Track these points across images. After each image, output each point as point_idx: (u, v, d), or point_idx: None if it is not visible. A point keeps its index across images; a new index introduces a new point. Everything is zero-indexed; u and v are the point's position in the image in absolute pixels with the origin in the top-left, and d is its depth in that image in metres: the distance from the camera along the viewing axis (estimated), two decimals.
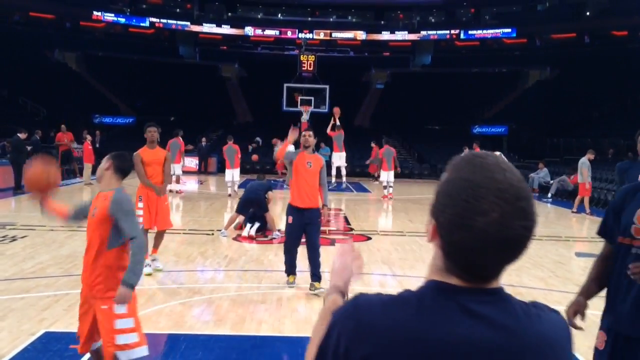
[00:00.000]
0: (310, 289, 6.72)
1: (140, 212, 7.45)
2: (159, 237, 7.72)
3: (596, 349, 2.85)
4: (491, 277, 1.12)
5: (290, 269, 7.00)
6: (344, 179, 20.64)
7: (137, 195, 7.46)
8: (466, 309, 1.08)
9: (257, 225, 10.46)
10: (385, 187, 17.72)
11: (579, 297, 2.93)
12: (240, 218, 10.68)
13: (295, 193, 6.79)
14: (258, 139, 23.24)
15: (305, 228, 6.82)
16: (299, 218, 6.76)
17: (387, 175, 17.66)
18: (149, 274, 7.35)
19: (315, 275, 6.76)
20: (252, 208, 10.58)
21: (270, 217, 10.60)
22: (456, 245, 1.09)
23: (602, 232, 2.98)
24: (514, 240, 1.07)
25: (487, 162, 1.10)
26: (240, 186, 17.29)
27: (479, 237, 1.05)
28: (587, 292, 2.96)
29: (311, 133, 7.05)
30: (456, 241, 1.08)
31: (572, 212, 15.41)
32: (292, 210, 6.83)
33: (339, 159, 19.86)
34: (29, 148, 17.49)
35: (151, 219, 7.48)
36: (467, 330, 1.07)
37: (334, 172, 20.22)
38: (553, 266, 8.71)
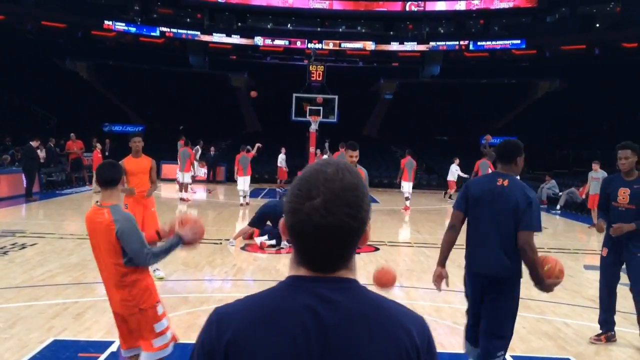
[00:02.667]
0: None
1: None
2: (152, 245, 7.65)
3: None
4: (330, 265, 1.23)
5: None
6: None
7: (123, 204, 7.52)
8: (315, 293, 1.20)
9: (273, 241, 10.34)
10: (407, 199, 17.49)
11: None
12: (250, 230, 10.66)
13: None
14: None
15: None
16: None
17: (408, 186, 17.44)
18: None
19: None
20: (269, 222, 10.59)
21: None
22: (291, 230, 1.22)
23: None
24: (336, 227, 1.18)
25: (327, 162, 1.26)
26: (251, 195, 17.19)
27: (306, 220, 1.18)
28: None
29: (357, 153, 6.72)
30: (290, 227, 1.22)
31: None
32: None
33: None
34: (42, 155, 17.64)
35: (140, 226, 7.49)
36: (313, 305, 1.18)
37: None
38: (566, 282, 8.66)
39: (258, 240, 10.32)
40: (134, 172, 7.43)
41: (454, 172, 21.36)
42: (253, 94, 20.50)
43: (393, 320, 1.22)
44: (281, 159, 24.54)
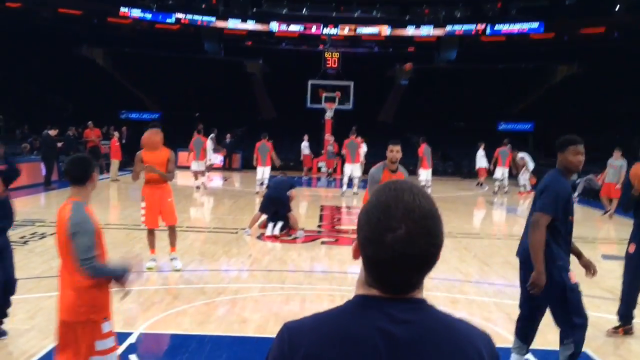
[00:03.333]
0: None
1: (142, 212, 7.62)
2: (172, 234, 7.72)
3: (574, 284, 4.41)
4: (407, 289, 1.25)
5: None
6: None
7: (141, 196, 7.65)
8: (387, 313, 1.22)
9: (280, 224, 10.45)
10: (427, 187, 17.25)
11: None
12: (264, 217, 10.72)
13: None
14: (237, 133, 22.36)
15: None
16: None
17: (426, 174, 17.20)
18: (151, 269, 7.58)
19: None
20: (275, 207, 10.57)
21: (293, 216, 10.61)
22: (370, 259, 1.23)
23: None
24: (419, 255, 1.20)
25: (401, 187, 1.25)
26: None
27: (388, 251, 1.19)
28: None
29: (399, 148, 6.14)
30: (370, 255, 1.22)
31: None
32: None
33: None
34: (59, 144, 17.80)
35: (154, 218, 7.58)
36: (384, 325, 1.21)
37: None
38: (579, 269, 8.58)
39: (269, 231, 10.36)
40: (151, 163, 7.47)
41: (481, 158, 20.81)
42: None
43: (464, 339, 1.25)
44: (304, 146, 24.58)
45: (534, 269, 4.22)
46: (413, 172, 20.08)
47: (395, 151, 6.08)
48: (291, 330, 1.27)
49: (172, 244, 7.74)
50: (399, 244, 1.18)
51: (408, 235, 1.18)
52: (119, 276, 3.46)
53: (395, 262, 1.19)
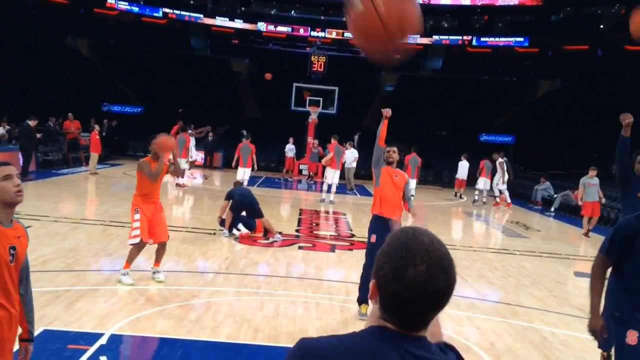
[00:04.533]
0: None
1: (137, 225, 6.98)
2: (161, 250, 7.22)
3: (629, 346, 3.38)
4: (421, 327, 1.34)
5: (366, 295, 6.19)
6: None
7: (133, 208, 7.07)
8: (403, 349, 1.30)
9: (240, 225, 10.54)
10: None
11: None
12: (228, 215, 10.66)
13: (381, 203, 6.77)
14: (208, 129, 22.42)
15: None
16: (383, 234, 6.17)
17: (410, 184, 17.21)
18: (131, 284, 6.89)
19: None
20: (245, 211, 10.68)
21: (266, 222, 10.65)
22: (390, 296, 1.31)
23: None
24: (438, 292, 1.30)
25: (419, 232, 1.36)
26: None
27: (410, 287, 1.28)
28: None
29: (395, 149, 6.86)
30: (390, 292, 1.31)
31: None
32: (377, 224, 6.68)
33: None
34: (38, 135, 17.58)
35: (148, 231, 7.07)
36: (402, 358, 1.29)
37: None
38: (551, 285, 8.72)
39: (237, 232, 10.43)
40: (158, 168, 7.08)
41: (463, 168, 20.74)
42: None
43: None
44: (288, 148, 24.60)
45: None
46: None
47: (392, 152, 6.80)
48: (309, 347, 1.33)
49: (158, 260, 7.24)
50: (420, 279, 1.28)
51: (428, 272, 1.28)
52: None
53: (415, 299, 1.28)
